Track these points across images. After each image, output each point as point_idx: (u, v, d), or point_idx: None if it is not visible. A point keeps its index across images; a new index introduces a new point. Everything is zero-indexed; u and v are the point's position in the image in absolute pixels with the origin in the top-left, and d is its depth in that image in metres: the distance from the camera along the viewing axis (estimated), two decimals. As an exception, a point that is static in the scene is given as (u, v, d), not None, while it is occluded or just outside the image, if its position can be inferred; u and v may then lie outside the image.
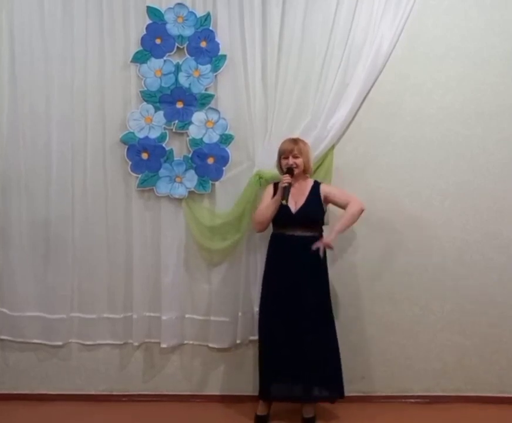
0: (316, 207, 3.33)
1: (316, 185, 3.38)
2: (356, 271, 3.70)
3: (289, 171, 3.26)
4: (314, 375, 3.28)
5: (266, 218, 3.32)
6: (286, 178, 3.21)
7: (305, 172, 3.36)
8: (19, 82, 3.56)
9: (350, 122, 3.60)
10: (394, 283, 3.70)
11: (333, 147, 3.59)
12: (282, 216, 3.29)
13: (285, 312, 3.27)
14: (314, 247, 3.25)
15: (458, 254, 3.69)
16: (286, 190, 3.18)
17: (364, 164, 3.65)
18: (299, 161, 3.29)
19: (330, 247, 3.27)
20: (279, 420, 3.43)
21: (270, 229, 3.41)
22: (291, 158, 3.28)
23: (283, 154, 3.31)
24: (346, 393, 3.42)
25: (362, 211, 3.31)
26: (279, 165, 3.36)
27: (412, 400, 3.71)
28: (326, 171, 3.58)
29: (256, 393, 3.43)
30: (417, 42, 3.60)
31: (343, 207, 3.35)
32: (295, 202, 3.31)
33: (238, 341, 3.65)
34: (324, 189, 3.38)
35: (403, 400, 3.71)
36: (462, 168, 3.66)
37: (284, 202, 3.18)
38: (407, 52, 3.59)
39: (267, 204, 3.33)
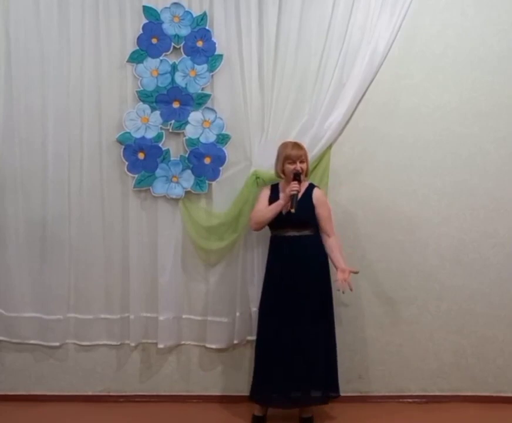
0: (305, 209, 3.25)
1: (310, 188, 3.33)
2: (353, 271, 3.70)
3: (297, 177, 3.20)
4: (311, 377, 3.25)
5: (266, 219, 3.30)
6: (296, 186, 3.16)
7: (306, 175, 3.33)
8: (15, 81, 3.55)
9: (347, 121, 3.60)
10: (392, 282, 3.70)
11: (330, 146, 3.59)
12: (275, 218, 3.27)
13: (283, 312, 3.25)
14: (341, 288, 3.18)
15: (455, 253, 3.69)
16: (295, 198, 3.14)
17: (362, 164, 3.64)
18: (305, 166, 3.26)
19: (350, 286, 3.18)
20: (276, 421, 3.42)
21: (267, 229, 3.40)
22: (299, 163, 3.23)
23: (289, 160, 3.23)
24: (344, 393, 3.42)
25: None
26: (281, 169, 3.29)
27: (409, 400, 3.71)
28: (323, 171, 3.58)
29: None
30: (414, 41, 3.60)
31: (320, 226, 3.30)
32: None
33: (235, 341, 3.64)
34: (316, 196, 3.30)
35: (400, 400, 3.71)
36: (459, 168, 3.66)
37: (293, 210, 3.13)
38: (403, 51, 3.59)
39: (270, 207, 3.29)
